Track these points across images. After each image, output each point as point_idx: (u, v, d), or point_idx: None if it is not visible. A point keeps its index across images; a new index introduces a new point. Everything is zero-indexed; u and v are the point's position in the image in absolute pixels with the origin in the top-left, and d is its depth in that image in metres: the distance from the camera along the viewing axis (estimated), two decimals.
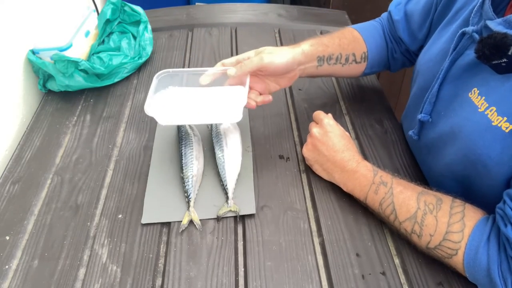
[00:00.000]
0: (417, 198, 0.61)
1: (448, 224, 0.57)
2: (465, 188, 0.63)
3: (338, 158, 0.68)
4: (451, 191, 0.62)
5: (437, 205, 0.59)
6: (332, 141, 0.69)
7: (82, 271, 0.62)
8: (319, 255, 0.63)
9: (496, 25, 0.54)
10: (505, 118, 0.53)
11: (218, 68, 0.74)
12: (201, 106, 0.74)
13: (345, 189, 0.69)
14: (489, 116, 0.55)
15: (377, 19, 0.90)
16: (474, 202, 0.60)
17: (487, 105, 0.56)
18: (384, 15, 0.88)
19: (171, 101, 0.75)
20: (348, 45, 0.80)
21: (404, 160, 0.78)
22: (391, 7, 0.86)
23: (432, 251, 0.59)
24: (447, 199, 0.60)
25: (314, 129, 0.72)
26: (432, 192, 0.62)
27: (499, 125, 0.54)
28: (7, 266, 0.63)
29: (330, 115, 0.74)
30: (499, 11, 0.58)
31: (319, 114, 0.74)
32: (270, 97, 0.75)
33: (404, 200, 0.61)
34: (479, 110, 0.57)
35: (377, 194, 0.63)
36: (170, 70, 0.77)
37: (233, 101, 0.73)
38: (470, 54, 0.60)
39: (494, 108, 0.55)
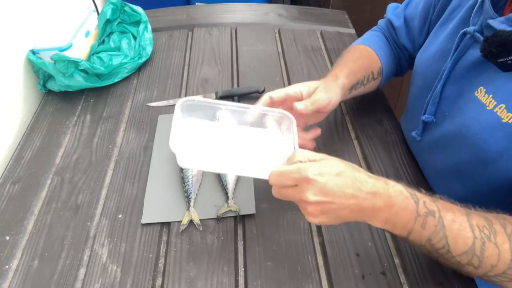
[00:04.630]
0: (470, 224, 0.50)
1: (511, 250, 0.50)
2: (470, 186, 0.63)
3: (361, 202, 0.50)
4: (455, 191, 0.62)
5: (491, 228, 0.50)
6: (341, 189, 0.49)
7: (82, 271, 0.62)
8: (319, 255, 0.63)
9: (499, 23, 0.54)
10: None
11: (266, 108, 0.63)
12: (235, 150, 0.61)
13: (381, 227, 0.52)
14: (498, 113, 0.55)
15: (375, 28, 0.88)
16: (480, 200, 0.60)
17: (495, 103, 0.56)
18: (382, 22, 0.87)
19: (199, 138, 0.62)
20: (369, 65, 0.79)
21: (404, 160, 0.78)
22: (389, 14, 0.84)
23: (489, 278, 0.52)
24: (493, 218, 0.52)
25: (307, 195, 0.49)
26: (475, 212, 0.53)
27: (509, 121, 0.54)
28: (7, 266, 0.63)
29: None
30: (497, 10, 0.58)
31: (282, 176, 0.51)
32: (319, 130, 0.70)
33: (459, 231, 0.50)
34: (488, 108, 0.57)
35: (425, 229, 0.50)
36: (196, 99, 0.62)
37: (276, 147, 0.60)
38: (472, 54, 0.60)
39: (504, 106, 0.55)
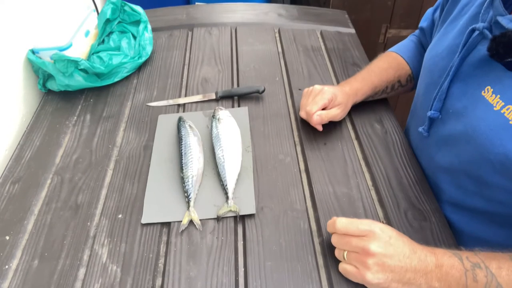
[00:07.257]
0: None
1: None
2: (481, 185, 0.63)
3: (415, 263, 0.53)
4: (463, 188, 0.62)
5: None
6: (400, 248, 0.54)
7: (82, 271, 0.62)
8: (319, 255, 0.63)
9: (508, 22, 0.54)
10: None
11: None
12: None
13: None
14: (505, 114, 0.55)
15: (416, 32, 0.92)
16: (491, 200, 0.59)
17: (503, 103, 0.55)
18: (420, 26, 0.90)
19: None
20: (394, 75, 0.84)
21: (404, 160, 0.77)
22: (423, 19, 0.88)
23: None
24: None
25: (372, 245, 0.54)
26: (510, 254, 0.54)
27: None
28: (7, 266, 0.63)
29: (364, 221, 0.57)
30: (507, 6, 0.57)
31: (351, 224, 0.57)
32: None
33: (509, 276, 0.52)
34: (495, 108, 0.56)
35: (478, 282, 0.52)
36: None
37: None
38: (480, 51, 0.59)
39: (511, 107, 0.54)
